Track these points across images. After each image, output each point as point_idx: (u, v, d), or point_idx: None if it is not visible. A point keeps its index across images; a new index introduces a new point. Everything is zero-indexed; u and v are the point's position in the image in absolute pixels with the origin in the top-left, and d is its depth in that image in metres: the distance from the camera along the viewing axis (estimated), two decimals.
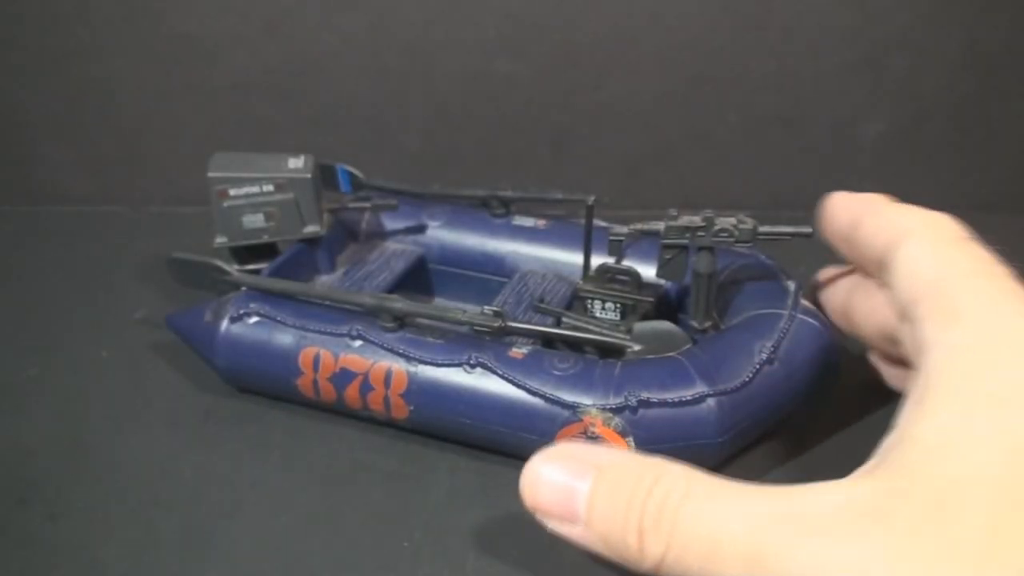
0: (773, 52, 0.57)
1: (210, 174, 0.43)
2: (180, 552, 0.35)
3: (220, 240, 0.44)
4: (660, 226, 0.38)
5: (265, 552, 0.34)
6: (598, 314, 0.41)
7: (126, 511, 0.36)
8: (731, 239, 0.37)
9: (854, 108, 0.59)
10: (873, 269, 0.34)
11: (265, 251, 0.45)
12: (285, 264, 0.43)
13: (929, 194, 0.60)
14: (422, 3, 0.56)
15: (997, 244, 0.31)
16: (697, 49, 0.57)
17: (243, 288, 0.41)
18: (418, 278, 0.48)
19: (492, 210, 0.48)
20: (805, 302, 0.38)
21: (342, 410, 0.40)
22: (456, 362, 0.36)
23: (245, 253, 0.45)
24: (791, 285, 0.39)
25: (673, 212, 0.38)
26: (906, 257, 0.31)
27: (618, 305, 0.41)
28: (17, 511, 0.36)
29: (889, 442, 0.25)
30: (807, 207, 0.60)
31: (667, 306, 0.42)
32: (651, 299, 0.40)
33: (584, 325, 0.40)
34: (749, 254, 0.42)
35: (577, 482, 0.27)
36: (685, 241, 0.38)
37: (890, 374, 0.39)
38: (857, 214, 0.35)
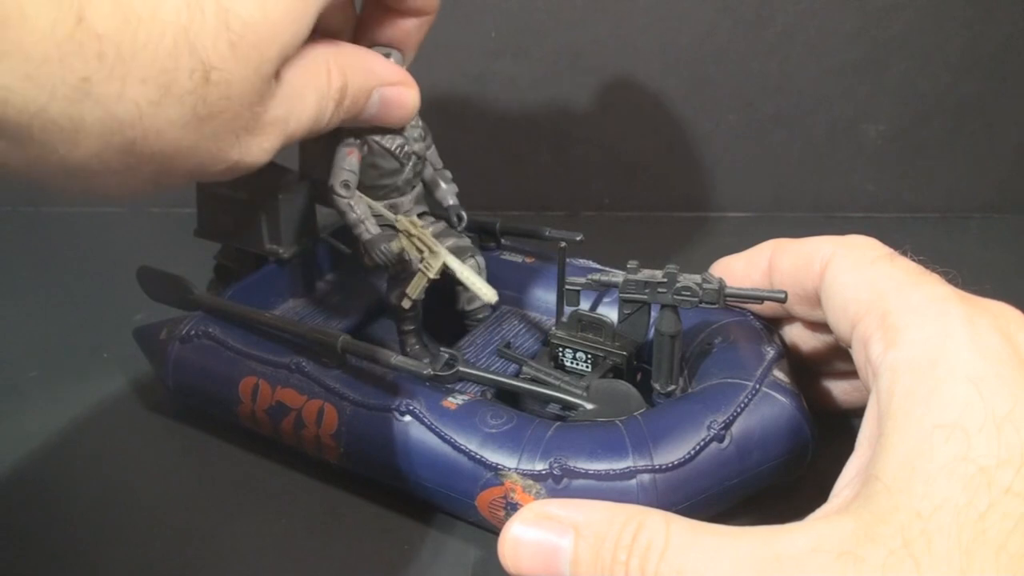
0: (773, 53, 0.58)
1: None
2: (180, 553, 0.34)
3: (198, 229, 0.44)
4: (619, 278, 0.35)
5: (266, 554, 0.34)
6: (568, 364, 0.39)
7: (126, 512, 0.37)
8: (695, 299, 0.34)
9: (855, 109, 0.59)
10: (807, 307, 0.35)
11: (251, 260, 0.44)
12: (252, 284, 0.42)
13: (930, 195, 0.62)
14: None
15: (921, 253, 0.31)
16: (698, 50, 0.58)
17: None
18: None
19: (482, 243, 0.46)
20: (779, 373, 0.34)
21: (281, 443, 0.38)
22: (387, 407, 0.34)
23: (234, 255, 0.45)
24: (769, 352, 0.35)
25: (632, 264, 0.35)
26: (834, 283, 0.32)
27: (589, 356, 0.38)
28: (17, 511, 0.37)
29: (853, 473, 0.27)
30: (807, 208, 0.61)
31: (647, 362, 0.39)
32: (623, 353, 0.37)
33: (544, 377, 0.37)
34: (738, 312, 0.38)
35: (558, 541, 0.27)
36: (644, 297, 0.34)
37: (841, 390, 0.38)
38: (762, 264, 0.36)
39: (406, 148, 0.38)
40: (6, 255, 0.57)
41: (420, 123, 0.39)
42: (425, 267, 0.37)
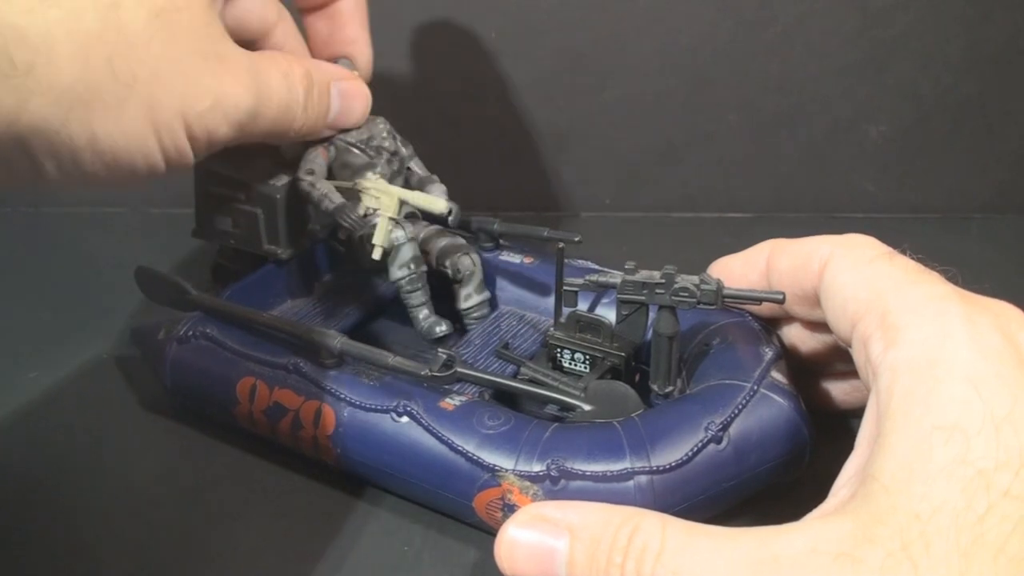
0: (774, 53, 0.58)
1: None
2: (180, 554, 0.34)
3: (196, 230, 0.44)
4: (617, 279, 0.35)
5: (265, 555, 0.34)
6: (566, 365, 0.39)
7: (126, 512, 0.37)
8: (692, 300, 0.34)
9: (855, 109, 0.59)
10: (806, 307, 0.35)
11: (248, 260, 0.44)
12: (250, 285, 0.42)
13: (930, 195, 0.62)
14: (423, 3, 0.56)
15: (922, 253, 0.31)
16: (698, 50, 0.58)
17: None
18: (400, 309, 0.46)
19: (480, 243, 0.46)
20: (777, 375, 0.34)
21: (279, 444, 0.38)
22: (384, 408, 0.34)
23: (231, 255, 0.45)
24: (767, 353, 0.35)
25: (630, 265, 0.35)
26: (833, 283, 0.32)
27: (587, 357, 0.38)
28: (18, 511, 0.37)
29: (852, 472, 0.27)
30: (807, 208, 0.61)
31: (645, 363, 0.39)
32: (621, 354, 0.37)
33: (541, 378, 0.37)
34: (736, 313, 0.38)
35: (554, 543, 0.27)
36: (642, 298, 0.34)
37: (840, 391, 0.38)
38: (760, 264, 0.36)
39: (373, 142, 0.40)
40: (6, 255, 0.57)
41: (388, 126, 0.41)
42: (384, 207, 0.39)
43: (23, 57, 0.26)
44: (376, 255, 0.38)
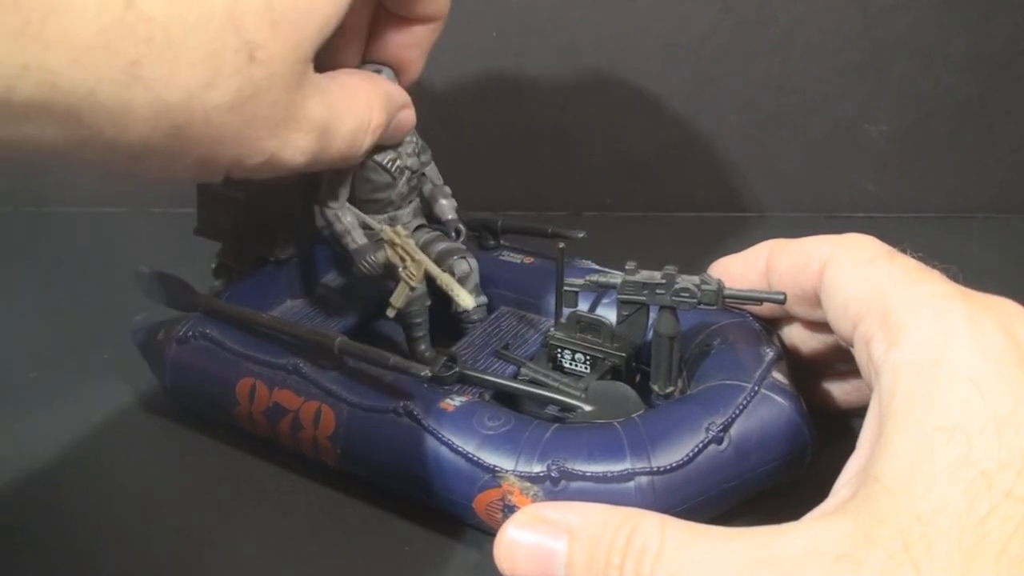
0: (775, 53, 0.58)
1: None
2: (180, 554, 0.34)
3: (198, 227, 0.44)
4: (618, 279, 0.35)
5: (265, 556, 0.34)
6: (567, 365, 0.39)
7: (126, 512, 0.36)
8: (693, 300, 0.33)
9: (856, 109, 0.59)
10: (807, 307, 0.35)
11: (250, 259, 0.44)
12: (250, 285, 0.42)
13: (931, 195, 0.62)
14: None
15: (921, 251, 0.31)
16: (699, 49, 0.58)
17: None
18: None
19: (482, 241, 0.46)
20: (778, 375, 0.34)
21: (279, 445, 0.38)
22: (384, 409, 0.34)
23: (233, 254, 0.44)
24: (768, 353, 0.35)
25: (630, 265, 0.35)
26: (834, 283, 0.31)
27: (588, 357, 0.38)
28: (18, 512, 0.37)
29: (853, 472, 0.27)
30: (808, 208, 0.62)
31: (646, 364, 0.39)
32: (622, 354, 0.37)
33: (542, 378, 0.37)
34: (737, 313, 0.38)
35: (553, 544, 0.27)
36: (642, 298, 0.34)
37: (841, 391, 0.38)
38: (760, 264, 0.36)
39: (398, 163, 0.39)
40: (6, 255, 0.57)
41: (415, 138, 0.40)
42: (407, 276, 0.37)
43: (95, 121, 0.25)
44: (390, 314, 0.38)
